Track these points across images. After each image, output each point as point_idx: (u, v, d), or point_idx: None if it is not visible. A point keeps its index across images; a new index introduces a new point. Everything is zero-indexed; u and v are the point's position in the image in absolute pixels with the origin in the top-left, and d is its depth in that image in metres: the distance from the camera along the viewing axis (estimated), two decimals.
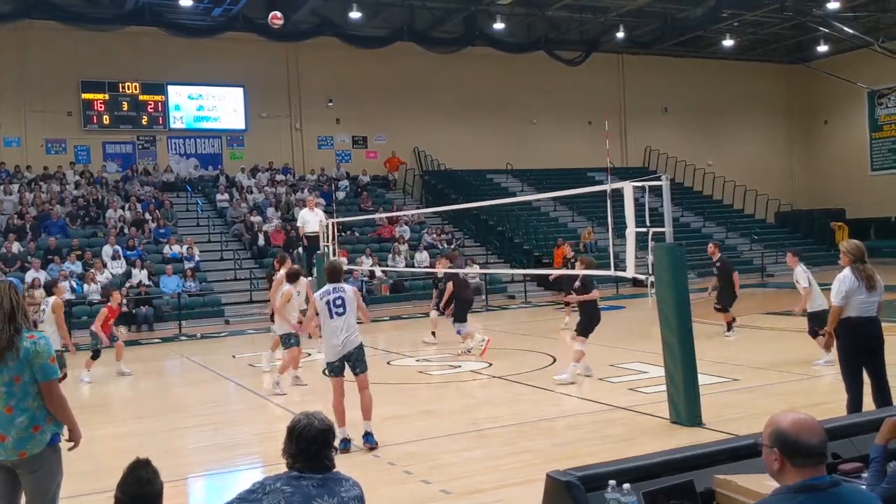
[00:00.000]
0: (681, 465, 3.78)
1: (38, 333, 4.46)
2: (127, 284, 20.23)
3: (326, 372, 8.15)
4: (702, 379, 8.21)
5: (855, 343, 6.91)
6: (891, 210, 31.69)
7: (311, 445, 3.22)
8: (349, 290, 7.83)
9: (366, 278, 22.37)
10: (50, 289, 11.48)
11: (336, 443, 3.41)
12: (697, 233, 29.30)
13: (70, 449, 4.58)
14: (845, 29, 28.96)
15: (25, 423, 4.30)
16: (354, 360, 7.71)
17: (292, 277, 11.30)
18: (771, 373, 10.46)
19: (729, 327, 13.95)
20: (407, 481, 6.73)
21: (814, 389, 9.42)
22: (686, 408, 7.85)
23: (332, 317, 7.64)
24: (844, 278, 6.87)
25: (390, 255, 23.54)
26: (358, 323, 7.87)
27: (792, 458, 2.69)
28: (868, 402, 6.95)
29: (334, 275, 8.00)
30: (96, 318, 13.10)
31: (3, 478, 4.43)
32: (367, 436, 7.71)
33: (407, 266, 22.77)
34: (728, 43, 31.01)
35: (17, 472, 4.39)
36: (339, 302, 7.67)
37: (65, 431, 4.54)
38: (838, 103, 35.05)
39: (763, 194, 32.74)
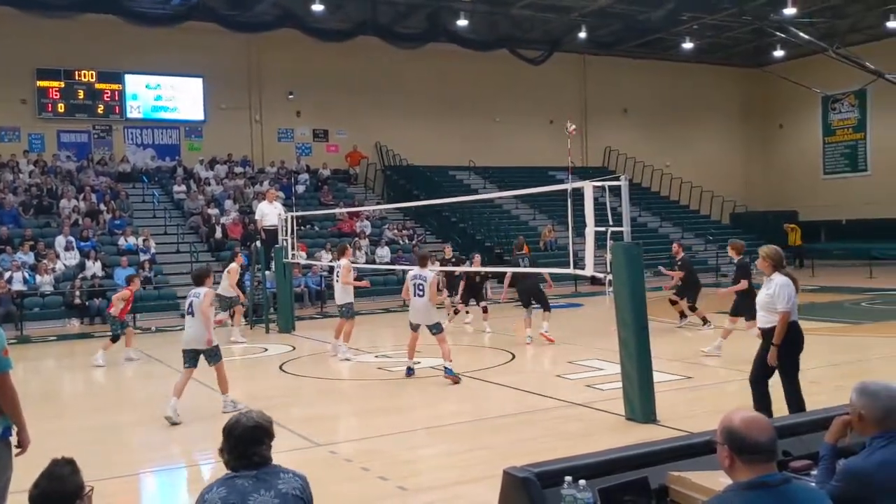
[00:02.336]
0: (636, 461, 3.82)
1: None
2: (80, 276, 19.85)
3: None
4: (657, 376, 8.32)
5: (797, 347, 7.04)
6: (841, 213, 32.43)
7: (239, 443, 3.22)
8: (429, 277, 10.72)
9: (325, 273, 22.22)
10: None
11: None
12: (654, 232, 29.67)
13: (17, 454, 4.48)
14: (801, 34, 29.50)
15: None
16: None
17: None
18: (724, 371, 10.64)
19: (704, 321, 14.41)
20: (364, 478, 6.71)
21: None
22: (641, 405, 7.96)
23: (414, 295, 10.75)
24: (787, 283, 6.90)
25: (350, 251, 23.41)
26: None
27: (741, 455, 2.73)
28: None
29: (422, 261, 11.20)
30: (115, 299, 13.49)
31: None
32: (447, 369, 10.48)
33: (367, 262, 22.68)
34: (688, 45, 31.41)
35: None
36: (421, 285, 10.68)
37: (13, 433, 4.45)
38: (793, 107, 35.74)
39: (719, 195, 33.28)
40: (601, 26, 30.00)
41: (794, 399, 7.04)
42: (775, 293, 6.87)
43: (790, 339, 6.94)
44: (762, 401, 7.02)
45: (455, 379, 10.49)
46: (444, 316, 15.01)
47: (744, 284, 11.23)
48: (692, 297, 14.72)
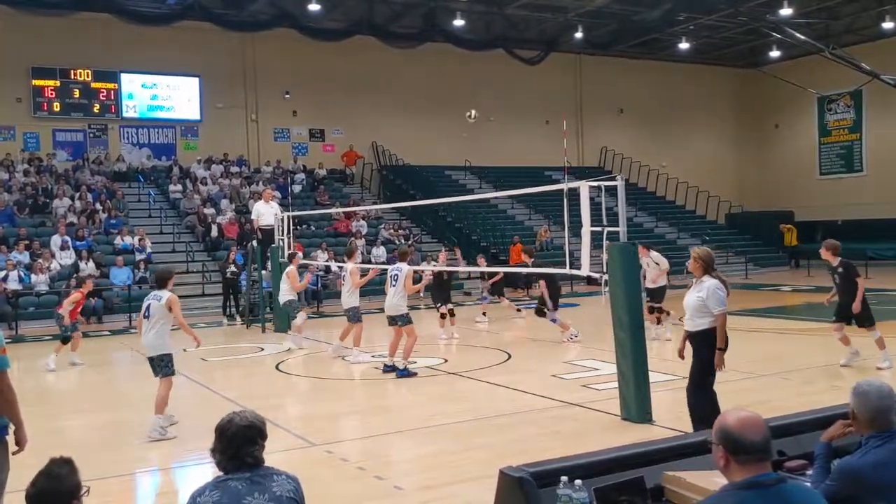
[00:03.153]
0: (631, 461, 3.84)
1: None
2: (75, 276, 19.80)
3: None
4: (652, 376, 8.33)
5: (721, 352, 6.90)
6: (837, 213, 32.48)
7: (232, 443, 3.18)
8: (404, 268, 11.27)
9: (321, 273, 22.20)
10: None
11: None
12: (650, 233, 29.70)
13: (14, 453, 4.48)
14: (797, 35, 29.55)
15: None
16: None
17: None
18: (720, 372, 10.63)
19: (659, 321, 14.21)
20: (360, 477, 6.71)
21: (761, 388, 9.61)
22: (637, 405, 7.97)
23: (391, 286, 11.30)
24: (719, 286, 6.78)
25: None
26: None
27: (735, 455, 2.74)
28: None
29: (402, 256, 11.88)
30: (66, 302, 13.10)
31: None
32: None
33: (363, 262, 22.65)
34: (684, 46, 31.47)
35: None
36: (395, 276, 11.27)
37: (10, 432, 4.45)
38: (789, 108, 35.81)
39: (714, 196, 33.33)
40: (597, 26, 30.03)
41: (701, 404, 6.85)
42: (707, 296, 6.75)
43: (711, 343, 6.81)
44: (713, 406, 6.80)
45: (406, 375, 10.95)
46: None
47: (861, 285, 10.16)
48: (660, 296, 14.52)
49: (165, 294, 8.26)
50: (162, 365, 8.28)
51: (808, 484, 3.31)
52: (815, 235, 33.09)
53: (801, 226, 32.54)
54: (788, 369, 10.25)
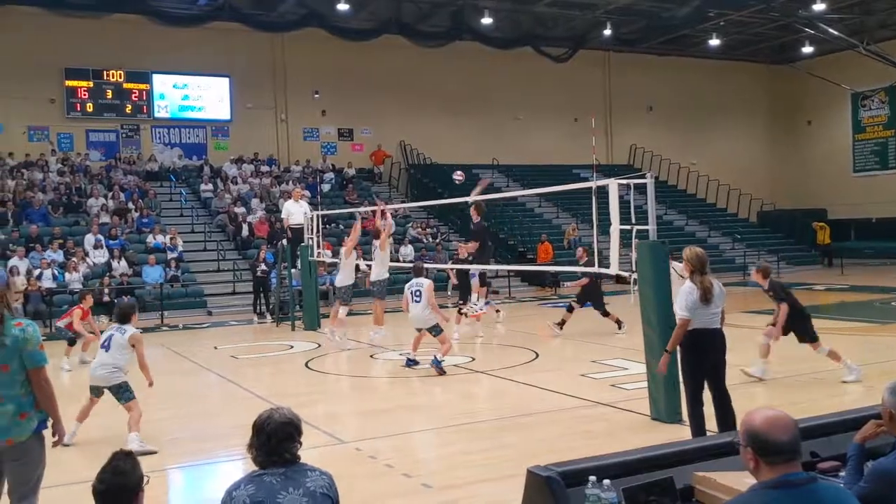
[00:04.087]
0: (661, 461, 3.81)
1: (26, 321, 4.45)
2: (108, 274, 20.10)
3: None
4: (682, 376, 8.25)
5: (700, 357, 6.67)
6: (872, 211, 31.98)
7: (271, 439, 3.23)
8: (426, 284, 11.19)
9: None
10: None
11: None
12: (681, 231, 29.46)
13: (54, 445, 4.57)
14: (830, 30, 29.15)
15: (13, 410, 4.30)
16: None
17: None
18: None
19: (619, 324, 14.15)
20: (387, 475, 6.73)
21: (791, 388, 9.50)
22: (666, 404, 7.90)
23: (413, 301, 11.25)
24: (691, 290, 6.56)
25: (374, 249, 23.46)
26: None
27: (765, 456, 2.71)
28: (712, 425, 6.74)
29: (418, 272, 11.69)
30: (65, 315, 13.20)
31: None
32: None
33: (391, 260, 22.69)
34: (714, 42, 31.14)
35: (1, 458, 4.37)
36: (418, 292, 11.18)
37: (49, 426, 4.53)
38: (822, 104, 35.31)
39: (746, 193, 32.95)
40: (626, 23, 29.82)
41: (692, 414, 6.73)
42: (678, 297, 6.63)
43: (687, 346, 6.66)
44: (692, 413, 6.71)
45: (440, 371, 10.93)
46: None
47: (784, 309, 9.66)
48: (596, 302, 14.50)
49: (130, 329, 8.07)
50: (121, 391, 8.06)
51: (841, 485, 3.27)
52: (849, 233, 32.68)
53: (834, 224, 32.08)
54: (820, 370, 10.11)
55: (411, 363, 11.58)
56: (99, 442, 7.78)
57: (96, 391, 8.25)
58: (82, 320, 13.12)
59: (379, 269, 13.31)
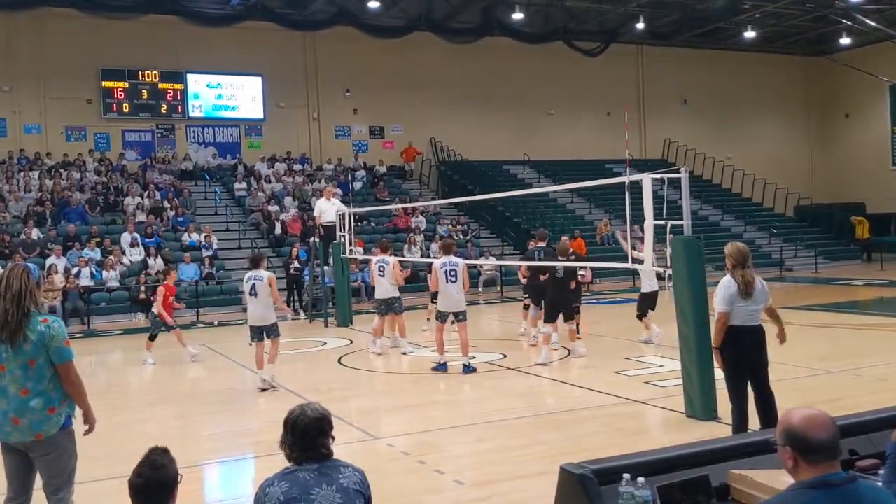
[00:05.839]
0: (696, 459, 3.77)
1: (52, 317, 4.51)
2: (144, 272, 20.38)
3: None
4: (717, 373, 8.16)
5: (738, 354, 6.52)
6: None
7: (305, 434, 3.23)
8: (460, 263, 11.07)
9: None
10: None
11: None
12: (716, 226, 29.13)
13: (85, 433, 4.62)
14: (868, 22, 28.61)
15: (41, 405, 4.36)
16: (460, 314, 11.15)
17: None
18: (787, 367, 10.38)
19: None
20: (420, 471, 6.74)
21: (831, 385, 9.36)
22: (702, 402, 7.81)
23: (447, 282, 10.90)
24: (729, 283, 6.47)
25: (406, 246, 23.56)
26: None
27: (804, 456, 2.66)
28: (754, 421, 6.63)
29: (446, 249, 11.48)
30: (156, 300, 13.15)
31: (18, 461, 4.49)
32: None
33: (422, 257, 22.76)
34: (749, 35, 30.69)
35: (31, 455, 4.44)
36: (453, 272, 10.92)
37: (78, 415, 4.58)
38: (859, 97, 34.67)
39: (782, 188, 32.44)
40: (659, 16, 29.54)
41: (735, 409, 6.60)
42: (717, 292, 6.53)
43: (725, 343, 6.54)
44: (737, 410, 6.60)
45: (470, 371, 10.86)
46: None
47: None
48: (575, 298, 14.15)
49: (264, 274, 9.81)
50: (274, 329, 9.97)
51: (880, 484, 3.20)
52: (889, 228, 32.06)
53: (873, 218, 31.46)
54: (860, 366, 9.94)
55: (440, 367, 11.18)
56: (129, 439, 7.87)
57: (258, 334, 9.98)
58: (171, 297, 13.09)
59: (391, 288, 12.94)
